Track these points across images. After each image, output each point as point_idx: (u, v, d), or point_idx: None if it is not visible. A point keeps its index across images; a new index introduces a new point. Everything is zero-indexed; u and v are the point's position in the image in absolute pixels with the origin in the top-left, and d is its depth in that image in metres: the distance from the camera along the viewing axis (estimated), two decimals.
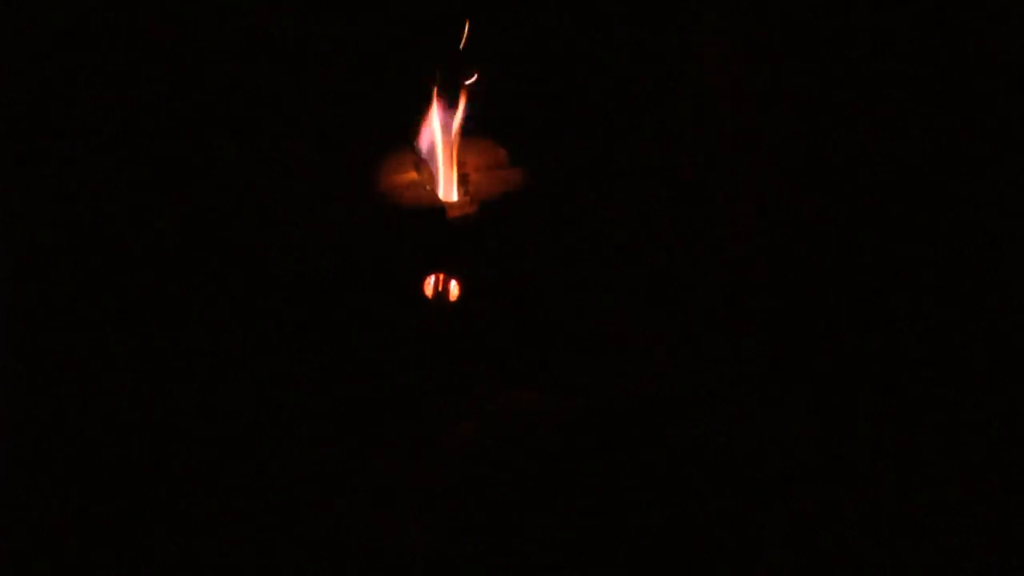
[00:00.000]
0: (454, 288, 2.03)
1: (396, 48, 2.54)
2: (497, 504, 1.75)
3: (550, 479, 1.78)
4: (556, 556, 1.65)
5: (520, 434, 1.88)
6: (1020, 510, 1.69)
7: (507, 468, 1.81)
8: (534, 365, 2.02)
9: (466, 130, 2.13)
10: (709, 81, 2.70)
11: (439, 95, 2.10)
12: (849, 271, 2.23)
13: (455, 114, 2.11)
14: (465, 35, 2.12)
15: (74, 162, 2.30)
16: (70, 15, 2.28)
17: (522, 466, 1.81)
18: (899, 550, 1.65)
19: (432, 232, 2.00)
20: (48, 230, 2.24)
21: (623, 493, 1.75)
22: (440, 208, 2.01)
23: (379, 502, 1.75)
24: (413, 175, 2.10)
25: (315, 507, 1.74)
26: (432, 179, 2.12)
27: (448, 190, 2.12)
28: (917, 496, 1.73)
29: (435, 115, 2.10)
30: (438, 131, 2.11)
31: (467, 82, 2.11)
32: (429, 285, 2.03)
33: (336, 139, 2.38)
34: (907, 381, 1.95)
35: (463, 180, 2.12)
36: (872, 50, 2.31)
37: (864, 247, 2.30)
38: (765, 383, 1.97)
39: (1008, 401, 1.88)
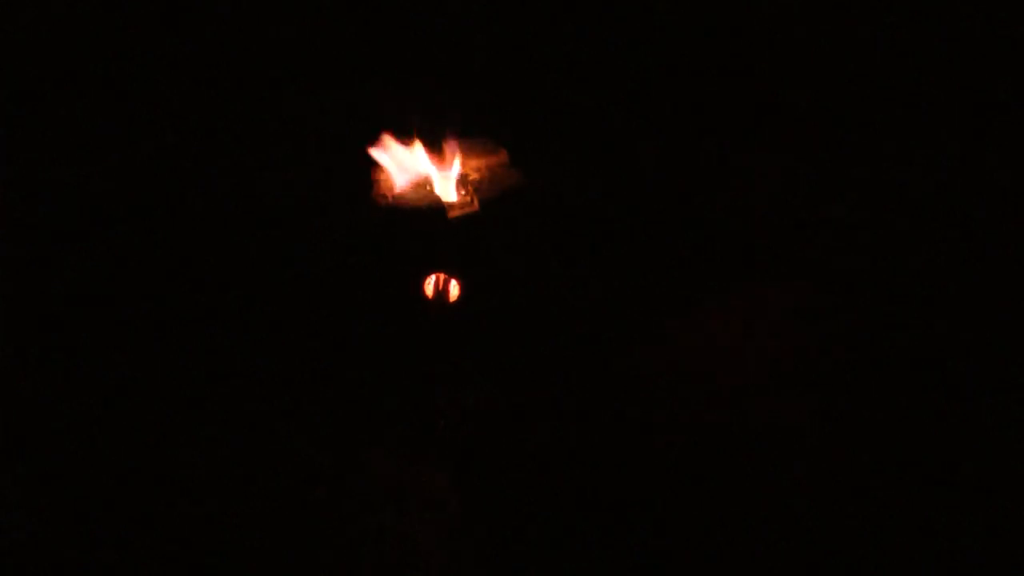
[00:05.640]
0: (454, 288, 2.03)
1: (397, 50, 2.54)
2: (495, 503, 1.75)
3: (548, 478, 1.78)
4: (555, 555, 1.66)
5: (518, 433, 1.88)
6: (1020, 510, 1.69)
7: (505, 467, 1.81)
8: (533, 365, 2.01)
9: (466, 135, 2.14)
10: (709, 82, 2.71)
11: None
12: (855, 271, 2.23)
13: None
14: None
15: (73, 161, 2.30)
16: (71, 14, 2.29)
17: (520, 465, 1.81)
18: (900, 550, 1.65)
19: (432, 232, 2.00)
20: (47, 228, 2.24)
21: (621, 492, 1.75)
22: (440, 208, 2.01)
23: (379, 501, 1.75)
24: None
25: (315, 507, 1.74)
26: (432, 179, 2.12)
27: (448, 190, 2.12)
28: (917, 496, 1.73)
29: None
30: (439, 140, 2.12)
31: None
32: (429, 285, 2.03)
33: (337, 139, 2.39)
34: (909, 381, 1.95)
35: (463, 180, 2.11)
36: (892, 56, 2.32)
37: (869, 248, 2.30)
38: (764, 383, 1.97)
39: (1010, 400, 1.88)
